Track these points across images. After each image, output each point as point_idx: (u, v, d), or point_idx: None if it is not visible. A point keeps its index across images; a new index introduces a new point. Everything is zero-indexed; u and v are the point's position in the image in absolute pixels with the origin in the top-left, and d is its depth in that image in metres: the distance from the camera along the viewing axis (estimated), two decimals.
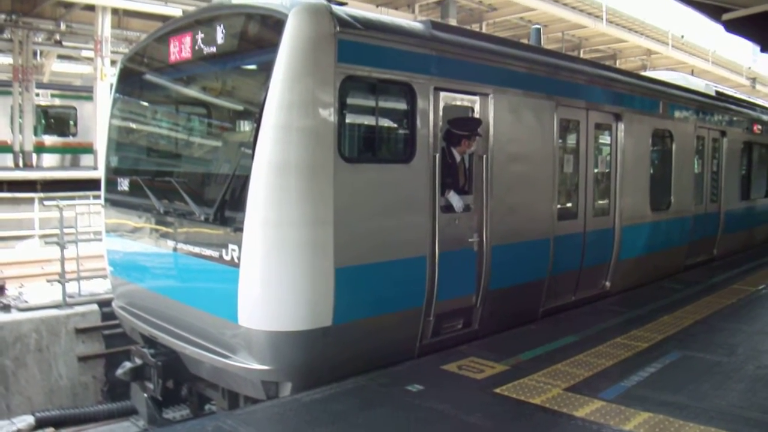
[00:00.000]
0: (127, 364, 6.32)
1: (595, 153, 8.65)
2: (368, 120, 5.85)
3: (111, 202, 7.23)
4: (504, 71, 6.86)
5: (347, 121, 5.49)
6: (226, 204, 5.21)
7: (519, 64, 7.10)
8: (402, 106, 5.82)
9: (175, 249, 5.90)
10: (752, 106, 14.76)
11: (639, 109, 9.30)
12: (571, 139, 8.28)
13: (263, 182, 4.92)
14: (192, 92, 6.89)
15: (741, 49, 39.09)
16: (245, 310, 5.02)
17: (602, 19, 29.68)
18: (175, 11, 18.31)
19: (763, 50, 8.99)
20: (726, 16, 8.68)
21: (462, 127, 6.26)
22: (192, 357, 5.67)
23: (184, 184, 5.86)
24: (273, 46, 4.98)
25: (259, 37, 5.60)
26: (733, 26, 8.65)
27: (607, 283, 8.82)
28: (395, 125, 6.15)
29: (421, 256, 5.85)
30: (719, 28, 8.70)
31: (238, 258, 5.02)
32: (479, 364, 5.82)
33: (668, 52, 35.19)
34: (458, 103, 6.39)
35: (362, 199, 5.40)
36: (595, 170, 8.67)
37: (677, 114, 10.45)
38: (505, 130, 6.75)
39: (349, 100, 5.44)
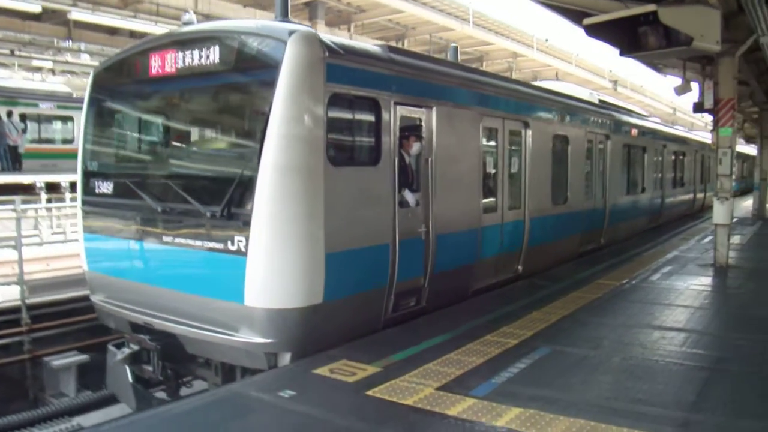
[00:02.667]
0: (125, 350, 8.33)
1: (509, 155, 11.65)
2: (347, 129, 8.05)
3: (91, 205, 9.12)
4: (443, 88, 9.62)
5: (332, 130, 7.51)
6: (232, 202, 7.09)
7: (454, 81, 10.04)
8: (371, 117, 8.14)
9: (173, 244, 7.77)
10: (629, 112, 20.09)
11: (542, 118, 12.77)
12: (491, 144, 11.14)
13: (268, 183, 6.89)
14: (190, 104, 8.83)
15: (604, 53, 45.91)
16: (251, 292, 6.97)
17: (469, 21, 32.93)
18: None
19: (622, 54, 10.84)
20: (587, 21, 10.48)
21: (408, 131, 8.82)
22: (192, 338, 7.57)
23: (185, 187, 7.69)
24: (273, 68, 7.01)
25: (259, 58, 7.48)
26: (593, 30, 10.48)
27: (520, 267, 11.96)
28: (366, 134, 8.27)
29: (386, 243, 8.25)
30: (582, 32, 10.68)
31: (245, 248, 6.94)
32: (351, 366, 6.73)
33: (533, 55, 40.26)
34: (411, 114, 8.86)
35: (344, 196, 7.57)
36: (510, 170, 11.66)
37: (572, 121, 14.26)
38: (444, 137, 9.34)
39: (334, 114, 7.53)
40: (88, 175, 9.29)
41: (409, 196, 8.85)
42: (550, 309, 9.52)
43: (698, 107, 14.97)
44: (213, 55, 7.67)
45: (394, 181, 8.35)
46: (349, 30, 32.24)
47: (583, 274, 12.52)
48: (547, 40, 40.28)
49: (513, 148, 11.78)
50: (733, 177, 13.60)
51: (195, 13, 25.76)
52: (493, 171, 11.21)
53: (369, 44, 9.16)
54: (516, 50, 39.46)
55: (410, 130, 8.93)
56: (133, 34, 29.01)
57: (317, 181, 7.15)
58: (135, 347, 8.33)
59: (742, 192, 40.03)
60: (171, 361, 8.18)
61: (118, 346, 8.93)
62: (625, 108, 20.53)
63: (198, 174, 8.27)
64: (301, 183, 7.07)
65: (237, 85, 8.06)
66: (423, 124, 9.10)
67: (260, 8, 27.53)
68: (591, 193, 15.49)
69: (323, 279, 7.21)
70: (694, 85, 15.92)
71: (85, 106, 9.50)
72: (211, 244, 7.36)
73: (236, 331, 7.22)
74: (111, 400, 10.37)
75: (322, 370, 6.68)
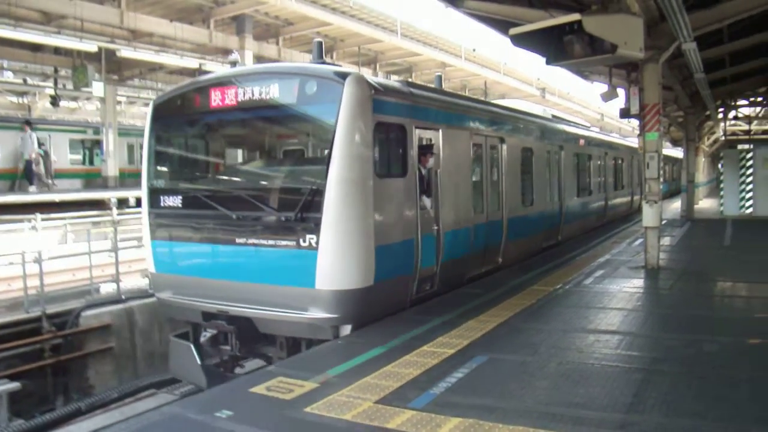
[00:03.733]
0: (207, 334, 10.22)
1: (491, 166, 13.70)
2: (386, 149, 9.95)
3: (158, 216, 10.71)
4: (446, 113, 11.79)
5: (377, 150, 9.44)
6: (304, 209, 8.93)
7: (453, 108, 12.35)
8: (400, 139, 10.14)
9: (247, 244, 9.50)
10: (576, 125, 23.25)
11: (513, 134, 14.94)
12: (478, 157, 13.15)
13: (333, 193, 8.78)
14: (258, 131, 11.25)
15: (531, 61, 47.06)
16: (321, 278, 8.82)
17: (397, 33, 33.24)
18: None
19: (548, 62, 11.02)
20: (513, 31, 10.66)
21: (424, 149, 10.78)
22: (265, 319, 9.42)
23: (260, 198, 9.61)
24: (334, 103, 8.92)
25: (322, 95, 9.22)
26: (519, 40, 10.68)
27: (500, 259, 14.00)
28: (397, 152, 10.18)
29: (412, 238, 10.23)
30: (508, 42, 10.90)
31: (316, 243, 8.80)
32: (288, 383, 6.69)
33: (462, 64, 40.88)
34: (425, 135, 10.92)
35: (385, 201, 9.59)
36: (491, 178, 13.71)
37: (534, 135, 16.63)
38: (447, 153, 11.39)
39: (378, 137, 9.45)
40: (153, 191, 10.89)
41: (426, 201, 10.84)
42: (486, 317, 9.59)
43: (625, 113, 15.29)
44: (277, 91, 9.58)
45: (416, 188, 10.43)
46: (277, 43, 32.16)
47: (517, 280, 12.64)
48: (474, 49, 40.79)
49: (493, 160, 13.91)
50: (661, 180, 13.90)
51: (120, 28, 25.61)
52: (479, 179, 13.30)
53: (392, 81, 12.08)
54: (444, 60, 39.79)
55: (425, 148, 10.92)
56: (57, 50, 28.52)
57: (368, 190, 9.16)
58: (213, 331, 10.21)
59: (671, 194, 40.96)
60: (244, 340, 9.86)
61: (180, 337, 10.88)
62: (573, 121, 24.15)
63: (271, 187, 10.16)
64: (357, 192, 9.05)
65: (303, 116, 9.97)
66: (433, 143, 11.20)
67: (187, 23, 27.24)
68: (550, 197, 17.63)
69: (374, 266, 9.18)
70: (621, 92, 16.27)
71: (146, 132, 11.21)
72: (285, 242, 9.19)
73: (306, 311, 9.07)
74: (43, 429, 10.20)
75: (259, 389, 6.61)
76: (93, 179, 33.07)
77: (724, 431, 5.51)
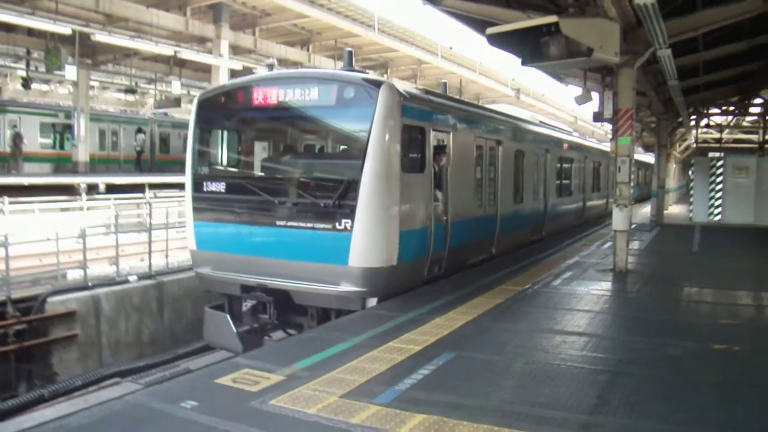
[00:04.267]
0: (248, 304, 11.46)
1: (489, 165, 15.01)
2: (409, 148, 11.30)
3: (201, 200, 11.94)
4: (457, 118, 13.29)
5: (403, 149, 10.83)
6: (342, 196, 10.30)
7: (461, 114, 13.84)
8: (421, 140, 11.57)
9: (287, 227, 10.86)
10: (561, 130, 25.17)
11: (508, 137, 16.40)
12: (479, 158, 14.48)
13: (367, 184, 10.17)
14: (298, 128, 12.69)
15: (507, 62, 47.25)
16: (354, 257, 10.21)
17: (374, 28, 33.09)
18: None
19: (524, 63, 11.07)
20: (490, 31, 10.69)
21: (438, 149, 12.23)
22: (301, 292, 10.80)
23: (301, 186, 11.05)
24: (369, 107, 10.29)
25: (358, 99, 10.62)
26: (496, 40, 10.72)
27: (494, 250, 15.54)
28: (417, 151, 11.56)
29: (427, 226, 11.64)
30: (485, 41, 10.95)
31: (351, 227, 10.18)
32: (254, 375, 6.66)
33: (438, 62, 40.86)
34: (439, 137, 12.30)
35: (408, 193, 10.90)
36: (489, 176, 15.03)
37: (525, 139, 18.17)
38: (456, 153, 12.82)
39: (404, 138, 10.88)
40: (197, 178, 12.14)
41: (438, 194, 12.21)
42: (454, 315, 9.62)
43: (598, 116, 15.40)
44: (317, 93, 10.98)
45: (431, 183, 11.84)
46: (254, 34, 31.99)
47: (486, 279, 12.69)
48: (451, 47, 40.79)
49: (491, 160, 15.21)
50: (632, 184, 14.02)
51: (96, 12, 25.37)
52: (480, 177, 14.62)
53: (413, 88, 13.46)
54: (421, 57, 39.83)
55: (438, 148, 12.30)
56: (31, 32, 28.18)
57: (395, 183, 10.56)
58: (253, 302, 11.50)
59: (642, 198, 41.30)
60: (280, 310, 11.25)
61: (215, 308, 12.16)
62: (558, 127, 26.03)
63: (312, 177, 11.40)
64: (387, 184, 10.44)
65: (340, 116, 11.43)
66: (445, 144, 12.59)
67: (163, 9, 27.03)
68: (537, 195, 19.16)
69: (397, 249, 10.64)
70: (595, 95, 16.36)
71: (191, 124, 12.39)
72: (322, 225, 10.54)
73: (338, 285, 10.50)
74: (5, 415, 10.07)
75: (225, 380, 6.59)
76: (63, 164, 32.75)
77: None
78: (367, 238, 10.28)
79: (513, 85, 52.00)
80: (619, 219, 13.70)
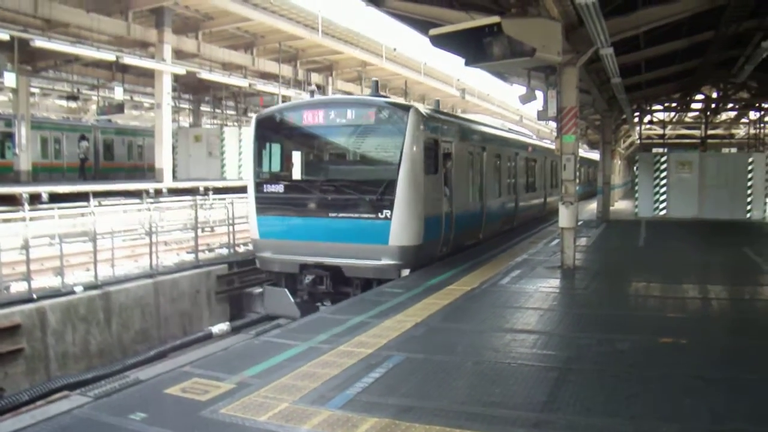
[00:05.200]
0: (309, 278, 14.34)
1: (478, 167, 18.27)
2: (427, 155, 14.22)
3: (263, 201, 14.99)
4: (456, 131, 16.82)
5: (424, 156, 13.95)
6: (382, 193, 13.50)
7: (460, 127, 17.49)
8: (435, 149, 14.67)
9: (338, 217, 13.98)
10: (526, 135, 29.65)
11: (490, 143, 19.82)
12: (471, 161, 17.73)
13: (402, 183, 13.40)
14: (344, 141, 15.43)
15: (452, 62, 47.67)
16: (392, 238, 13.44)
17: (318, 30, 33.01)
18: None
19: (467, 63, 11.13)
20: (433, 32, 10.74)
21: (445, 156, 15.40)
22: (351, 266, 13.89)
23: (350, 186, 14.13)
24: (402, 125, 13.61)
25: (393, 119, 13.99)
26: (439, 41, 10.76)
27: (481, 236, 18.72)
28: (432, 157, 14.56)
29: (439, 215, 14.90)
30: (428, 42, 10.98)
31: (390, 216, 13.39)
32: (203, 384, 6.60)
33: (383, 64, 40.97)
34: (445, 145, 15.43)
35: (428, 190, 14.08)
36: (478, 176, 18.24)
37: (502, 144, 21.88)
38: (457, 158, 16.20)
39: (424, 147, 13.99)
40: (258, 182, 15.19)
41: (446, 190, 15.51)
42: (403, 317, 9.64)
43: (542, 115, 15.50)
44: (359, 115, 14.50)
45: (442, 182, 15.26)
46: (197, 38, 31.71)
47: (435, 280, 12.75)
48: (395, 49, 40.85)
49: (479, 163, 18.46)
50: (577, 181, 14.21)
51: (35, 17, 24.89)
52: (471, 176, 17.78)
53: (430, 109, 17.09)
54: (365, 59, 39.86)
55: (445, 155, 15.54)
56: None
57: (421, 182, 13.96)
58: (312, 276, 14.48)
59: (588, 195, 41.78)
60: (335, 282, 14.26)
61: (273, 285, 15.50)
62: (522, 132, 30.54)
63: (359, 179, 14.51)
64: (416, 184, 13.82)
65: (378, 132, 14.64)
66: (450, 151, 15.85)
67: (105, 14, 26.63)
68: (510, 191, 22.28)
69: (423, 231, 14.02)
70: (539, 94, 16.50)
71: (252, 138, 15.54)
72: (367, 215, 13.85)
73: (380, 260, 13.78)
74: None
75: (174, 390, 6.51)
76: (4, 174, 32.08)
77: (636, 429, 5.63)
78: (402, 224, 13.62)
79: (458, 86, 52.32)
80: (565, 216, 13.85)
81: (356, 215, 13.96)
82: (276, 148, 15.86)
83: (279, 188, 14.95)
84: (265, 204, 15.03)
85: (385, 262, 13.71)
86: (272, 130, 15.50)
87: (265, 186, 15.07)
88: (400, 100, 17.92)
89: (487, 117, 29.07)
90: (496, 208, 20.45)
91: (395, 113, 14.14)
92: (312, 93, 18.83)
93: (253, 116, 16.69)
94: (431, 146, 14.60)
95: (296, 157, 15.82)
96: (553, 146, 31.46)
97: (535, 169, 26.71)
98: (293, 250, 14.58)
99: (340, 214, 14.09)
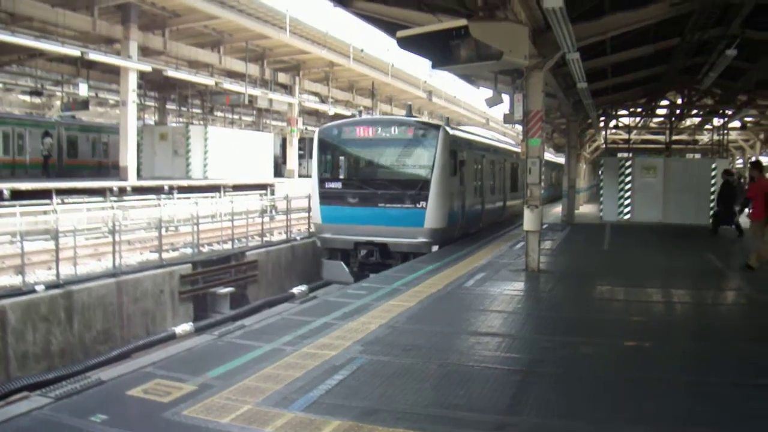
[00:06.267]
0: (362, 252, 18.89)
1: (480, 171, 23.12)
2: (450, 162, 19.06)
3: (325, 195, 19.45)
4: (466, 143, 21.92)
5: (448, 162, 18.84)
6: (420, 189, 18.40)
7: (468, 140, 22.81)
8: (454, 157, 19.57)
9: (385, 207, 18.60)
10: (510, 143, 34.32)
11: (486, 152, 24.80)
12: (475, 167, 22.36)
13: (434, 182, 18.35)
14: (389, 149, 19.51)
15: (419, 64, 47.82)
16: (426, 222, 18.29)
17: (286, 30, 32.80)
18: None
19: (434, 66, 11.16)
20: (400, 34, 10.74)
21: (460, 162, 20.25)
22: (395, 243, 18.62)
23: (395, 183, 18.91)
24: (434, 139, 18.66)
25: (427, 134, 18.94)
26: (406, 43, 10.76)
27: (481, 225, 23.22)
28: (454, 164, 19.38)
29: (456, 206, 19.86)
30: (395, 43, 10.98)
31: (425, 206, 18.31)
32: (165, 386, 6.53)
33: (350, 64, 41.03)
34: (460, 154, 20.16)
35: (450, 188, 19.13)
36: (479, 178, 23.21)
37: (495, 152, 26.60)
38: (467, 164, 21.03)
39: (449, 155, 18.97)
40: (321, 179, 19.78)
41: (461, 189, 20.27)
42: (368, 318, 9.64)
43: (508, 118, 15.60)
44: (401, 131, 19.10)
45: (458, 182, 19.96)
46: (163, 35, 31.39)
47: (399, 282, 12.79)
48: (363, 50, 40.82)
49: (481, 168, 23.32)
50: (543, 185, 14.29)
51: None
52: (475, 178, 22.54)
53: (451, 127, 21.37)
54: (333, 60, 39.77)
55: (460, 161, 20.19)
56: None
57: (447, 182, 18.57)
58: (365, 251, 18.98)
59: (553, 199, 42.09)
60: (382, 255, 18.75)
61: (328, 258, 19.60)
62: (507, 141, 36.65)
63: (402, 179, 19.11)
64: (443, 183, 18.37)
65: (416, 144, 19.07)
66: (463, 159, 20.51)
67: (70, 9, 26.29)
68: (500, 191, 26.87)
69: (446, 218, 18.57)
70: (505, 97, 16.58)
71: (315, 146, 20.09)
72: (408, 205, 18.38)
73: (416, 238, 18.26)
74: None
75: (136, 391, 6.44)
76: None
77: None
78: (433, 212, 18.33)
79: (425, 87, 52.40)
80: (530, 219, 13.93)
81: (399, 205, 18.57)
82: (334, 154, 20.37)
83: (338, 185, 19.66)
84: (326, 197, 19.63)
85: (421, 240, 18.36)
86: (331, 140, 20.08)
87: (326, 183, 19.73)
88: (431, 120, 25.30)
89: (482, 129, 36.62)
90: (492, 204, 25.17)
91: (429, 131, 19.12)
92: (360, 113, 30.53)
93: (316, 129, 22.00)
94: (452, 155, 19.33)
95: (351, 160, 20.44)
96: (548, 155, 33.11)
97: (518, 172, 29.66)
98: (349, 232, 19.04)
99: (387, 205, 18.67)
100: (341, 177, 20.06)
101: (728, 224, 22.11)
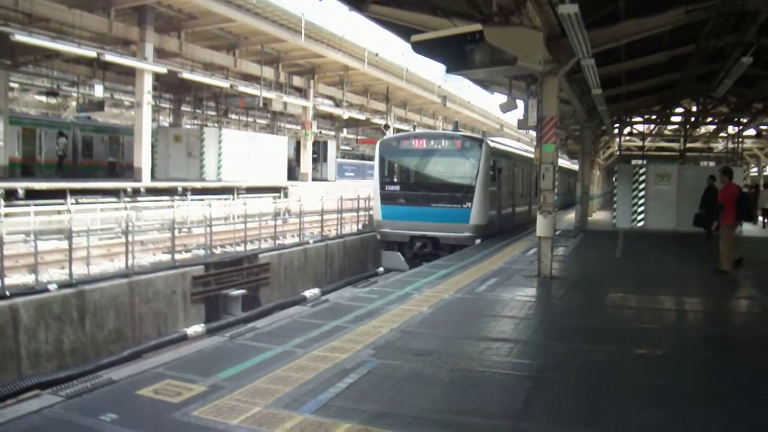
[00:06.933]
0: (417, 244, 22.04)
1: (511, 178, 26.40)
2: (491, 170, 22.40)
3: (386, 197, 22.71)
4: (501, 154, 25.06)
5: (489, 170, 22.19)
6: (466, 192, 21.69)
7: (503, 152, 26.04)
8: (493, 166, 22.63)
9: (437, 206, 21.94)
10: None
11: (517, 161, 28.02)
12: (508, 174, 25.69)
13: (478, 187, 21.63)
14: (440, 159, 22.79)
15: (433, 69, 47.88)
16: (471, 219, 21.61)
17: (301, 33, 32.79)
18: None
19: (449, 71, 11.14)
20: (415, 38, 10.70)
21: (498, 170, 23.62)
22: (444, 237, 21.75)
23: (445, 187, 22.28)
24: (478, 150, 21.98)
25: (473, 146, 22.29)
26: (421, 47, 10.72)
27: (511, 224, 26.06)
28: (493, 172, 22.61)
29: (494, 207, 23.06)
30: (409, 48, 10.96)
31: (470, 206, 21.61)
32: (176, 386, 6.53)
33: (365, 68, 40.91)
34: (498, 163, 23.39)
35: (490, 192, 22.42)
36: (511, 185, 26.62)
37: (522, 160, 28.96)
38: (503, 173, 24.32)
39: (490, 164, 22.27)
40: (382, 182, 22.94)
41: (498, 193, 23.14)
42: (379, 322, 9.62)
43: (522, 124, 15.57)
44: (450, 143, 22.59)
45: (496, 187, 22.87)
46: (179, 37, 31.46)
47: (411, 287, 12.77)
48: (377, 54, 40.79)
49: (512, 175, 26.42)
50: (556, 191, 14.25)
51: (15, 11, 24.68)
52: (508, 183, 25.64)
53: (491, 139, 26.22)
54: (348, 63, 39.71)
55: (498, 170, 23.14)
56: None
57: (487, 186, 21.85)
58: (420, 243, 21.84)
59: (567, 205, 42.01)
60: (434, 247, 21.57)
61: (386, 249, 22.81)
62: (532, 150, 39.63)
63: (451, 183, 22.12)
64: (485, 187, 21.63)
65: (463, 155, 22.01)
66: (500, 167, 23.43)
67: (87, 10, 26.43)
68: (527, 196, 29.85)
69: (487, 216, 21.92)
70: (520, 103, 16.56)
71: (377, 156, 23.60)
72: (456, 205, 21.53)
73: (463, 233, 21.38)
74: None
75: (146, 391, 6.45)
76: None
77: None
78: (477, 211, 21.49)
79: (439, 92, 52.34)
80: (543, 225, 13.88)
81: (448, 205, 21.76)
82: (393, 162, 23.68)
83: (396, 188, 22.97)
84: (386, 198, 22.79)
85: (466, 234, 21.46)
86: (391, 150, 23.60)
87: (386, 186, 22.98)
88: (474, 134, 30.91)
89: (512, 141, 39.85)
90: (520, 207, 28.29)
91: (474, 144, 22.44)
92: (386, 127, 40.60)
93: (378, 141, 25.87)
94: (492, 164, 22.38)
95: (407, 167, 23.67)
96: (563, 161, 33.87)
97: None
98: (406, 227, 22.16)
99: (439, 205, 21.91)
100: (399, 181, 23.47)
101: (702, 227, 22.05)
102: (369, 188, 26.87)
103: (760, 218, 31.96)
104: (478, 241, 21.34)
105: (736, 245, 15.52)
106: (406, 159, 23.57)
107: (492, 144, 23.68)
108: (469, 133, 28.94)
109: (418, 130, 31.80)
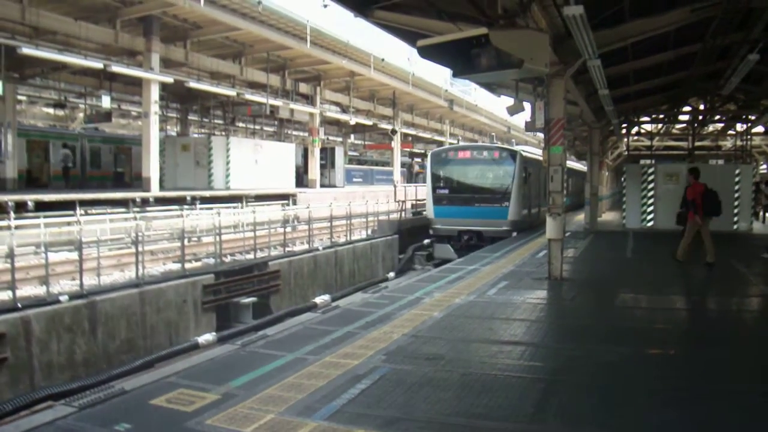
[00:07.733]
0: (464, 237, 26.95)
1: (537, 183, 30.15)
2: (524, 177, 27.56)
3: (437, 199, 27.98)
4: (531, 162, 29.18)
5: (522, 176, 27.26)
6: (504, 195, 26.83)
7: (531, 159, 29.59)
8: (525, 172, 27.74)
9: (481, 206, 27.15)
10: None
11: (542, 167, 24.43)
12: (535, 179, 29.85)
13: (514, 189, 26.79)
14: (483, 168, 27.96)
15: (440, 73, 48.42)
16: (509, 215, 26.71)
17: (306, 40, 32.73)
18: None
19: (455, 75, 11.13)
20: (420, 43, 10.69)
21: (528, 176, 28.61)
22: (487, 230, 26.53)
23: (487, 190, 27.43)
24: (514, 160, 27.19)
25: (509, 156, 27.61)
26: (427, 52, 10.70)
27: (538, 221, 27.72)
28: (525, 177, 27.63)
29: (525, 206, 27.99)
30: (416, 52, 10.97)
31: (508, 205, 26.72)
32: (188, 395, 6.57)
33: (371, 74, 40.96)
34: (528, 169, 28.33)
35: (523, 195, 27.54)
36: (538, 188, 30.37)
37: (542, 166, 26.49)
38: (531, 177, 28.89)
39: (522, 172, 27.29)
40: (434, 186, 28.06)
41: (528, 194, 28.07)
42: (390, 328, 9.63)
43: (530, 126, 15.56)
44: (490, 154, 27.94)
45: (527, 190, 27.91)
46: (185, 47, 31.54)
47: (422, 291, 12.77)
48: (383, 59, 40.79)
49: (538, 180, 29.54)
50: (565, 193, 14.25)
51: (22, 24, 24.79)
52: (535, 187, 29.63)
53: (523, 150, 31.67)
54: (354, 69, 39.67)
55: (528, 175, 27.76)
56: None
57: (521, 189, 26.97)
58: (467, 236, 26.67)
59: (576, 206, 41.94)
60: (479, 239, 26.27)
61: (437, 242, 27.56)
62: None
63: (491, 187, 27.23)
64: (520, 190, 26.94)
65: (501, 164, 27.26)
66: (530, 173, 28.13)
67: (92, 22, 26.55)
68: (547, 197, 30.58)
69: (520, 214, 27.09)
70: (527, 105, 16.55)
71: (428, 165, 29.16)
72: (496, 205, 26.70)
73: (502, 227, 26.28)
74: None
75: (159, 401, 6.48)
76: None
77: None
78: (513, 209, 26.12)
79: (446, 96, 52.35)
80: (552, 227, 13.89)
81: (490, 205, 26.55)
82: (443, 170, 28.26)
83: (446, 191, 27.84)
84: (438, 199, 27.67)
85: (504, 228, 25.87)
86: (440, 160, 28.52)
87: (437, 190, 27.89)
88: (509, 146, 34.27)
89: (535, 149, 42.54)
90: (545, 205, 31.99)
91: (510, 154, 27.43)
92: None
93: (429, 152, 31.65)
94: (524, 171, 26.96)
95: (455, 174, 28.16)
96: (573, 163, 35.48)
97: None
98: (455, 223, 26.89)
99: (481, 204, 26.80)
100: (448, 186, 28.05)
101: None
102: (378, 194, 32.47)
103: None
104: (514, 233, 25.73)
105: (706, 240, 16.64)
106: (453, 168, 28.30)
107: (524, 154, 28.52)
108: (505, 146, 34.15)
109: (462, 143, 39.22)
